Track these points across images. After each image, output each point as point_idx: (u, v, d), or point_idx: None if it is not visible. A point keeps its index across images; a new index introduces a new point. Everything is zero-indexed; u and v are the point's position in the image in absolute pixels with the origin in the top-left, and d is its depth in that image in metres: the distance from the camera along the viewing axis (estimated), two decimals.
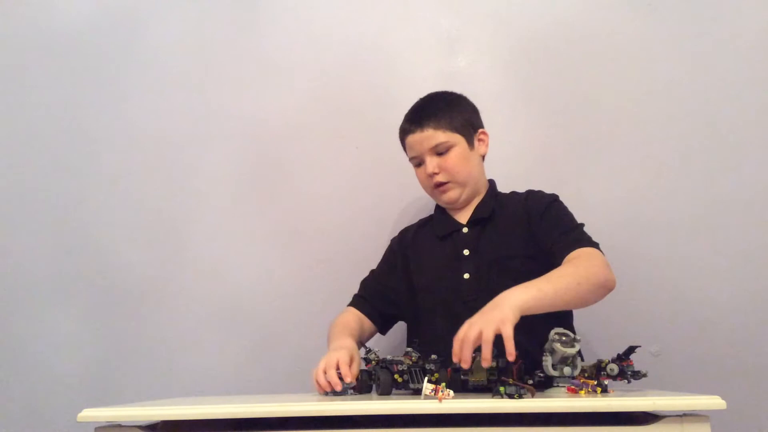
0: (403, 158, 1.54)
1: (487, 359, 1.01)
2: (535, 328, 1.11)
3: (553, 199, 1.36)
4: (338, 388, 1.13)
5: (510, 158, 1.50)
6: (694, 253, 1.57)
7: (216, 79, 1.80)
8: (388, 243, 1.52)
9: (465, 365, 1.03)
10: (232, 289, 1.72)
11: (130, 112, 1.81)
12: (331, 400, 1.05)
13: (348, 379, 1.14)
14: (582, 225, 1.30)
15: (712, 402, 0.87)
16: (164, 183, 1.77)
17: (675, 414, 0.90)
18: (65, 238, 1.77)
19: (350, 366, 1.17)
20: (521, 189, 1.47)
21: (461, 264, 1.33)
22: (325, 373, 1.15)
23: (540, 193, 1.39)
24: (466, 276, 1.31)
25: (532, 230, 1.31)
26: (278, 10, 1.80)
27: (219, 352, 1.69)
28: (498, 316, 1.02)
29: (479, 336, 1.01)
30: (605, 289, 1.20)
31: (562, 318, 1.20)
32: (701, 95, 1.63)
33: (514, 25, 1.72)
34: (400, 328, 1.53)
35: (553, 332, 1.08)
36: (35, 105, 1.83)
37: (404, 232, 1.51)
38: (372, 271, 1.50)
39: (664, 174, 1.62)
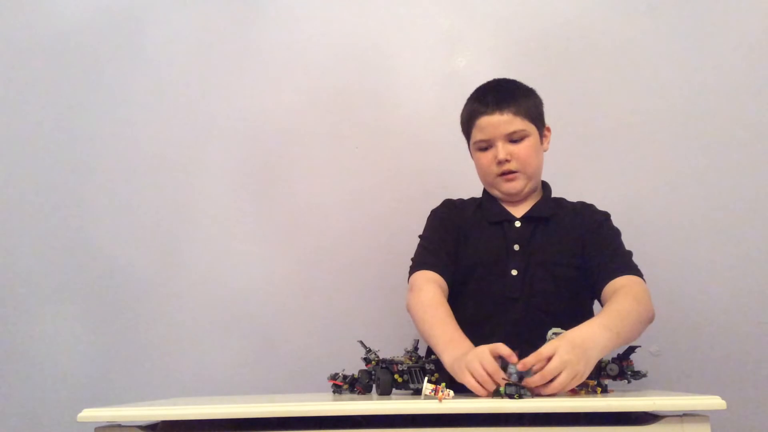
0: (402, 158, 1.55)
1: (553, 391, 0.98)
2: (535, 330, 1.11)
3: (606, 217, 1.35)
4: (499, 377, 0.99)
5: None
6: (694, 253, 1.57)
7: (215, 80, 1.79)
8: (399, 231, 1.48)
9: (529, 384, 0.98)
10: (232, 289, 1.72)
11: (130, 113, 1.80)
12: (331, 401, 1.04)
13: (514, 360, 1.00)
14: (630, 252, 1.29)
15: (712, 402, 0.87)
16: (164, 183, 1.77)
17: (675, 414, 0.90)
18: (65, 239, 1.77)
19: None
20: None
21: (510, 259, 1.28)
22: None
23: (593, 207, 1.36)
24: (514, 272, 1.27)
25: (583, 245, 1.29)
26: (277, 10, 1.79)
27: (219, 352, 1.69)
28: (582, 370, 0.99)
29: (559, 375, 0.97)
30: (650, 323, 1.19)
31: (579, 317, 1.16)
32: (702, 95, 1.62)
33: (514, 24, 1.72)
34: (399, 327, 1.52)
35: (550, 332, 1.06)
36: (35, 105, 1.83)
37: (450, 204, 1.41)
38: (427, 239, 1.36)
39: (664, 174, 1.62)
